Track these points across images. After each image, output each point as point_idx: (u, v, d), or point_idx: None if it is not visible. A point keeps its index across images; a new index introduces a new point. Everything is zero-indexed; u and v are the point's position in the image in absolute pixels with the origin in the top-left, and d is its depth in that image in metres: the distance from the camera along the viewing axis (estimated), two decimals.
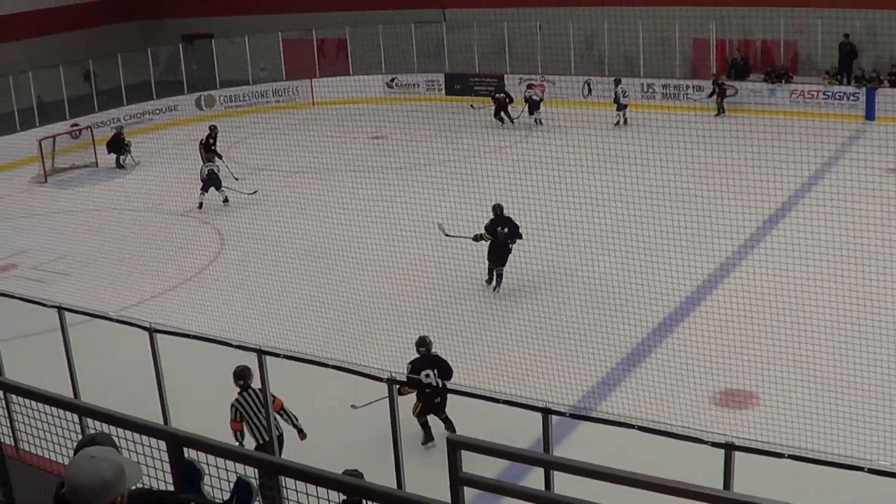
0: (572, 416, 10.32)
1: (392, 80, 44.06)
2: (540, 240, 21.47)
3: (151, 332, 11.74)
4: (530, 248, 21.47)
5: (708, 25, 38.04)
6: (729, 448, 8.47)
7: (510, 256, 21.08)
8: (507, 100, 37.73)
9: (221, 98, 43.98)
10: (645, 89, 39.41)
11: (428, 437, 14.80)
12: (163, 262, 23.52)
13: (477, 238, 20.92)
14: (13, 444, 9.61)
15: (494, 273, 21.04)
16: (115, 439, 6.15)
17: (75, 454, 5.35)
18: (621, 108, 36.70)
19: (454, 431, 14.06)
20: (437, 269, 20.29)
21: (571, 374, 15.74)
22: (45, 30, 46.21)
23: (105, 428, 6.18)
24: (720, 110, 36.92)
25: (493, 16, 42.17)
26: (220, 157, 30.02)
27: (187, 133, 37.37)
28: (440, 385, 14.00)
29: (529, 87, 38.32)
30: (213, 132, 31.92)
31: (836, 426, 13.17)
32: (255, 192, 29.02)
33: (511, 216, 20.99)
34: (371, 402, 13.44)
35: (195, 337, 11.96)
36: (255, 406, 13.41)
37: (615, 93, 36.83)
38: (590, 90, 39.28)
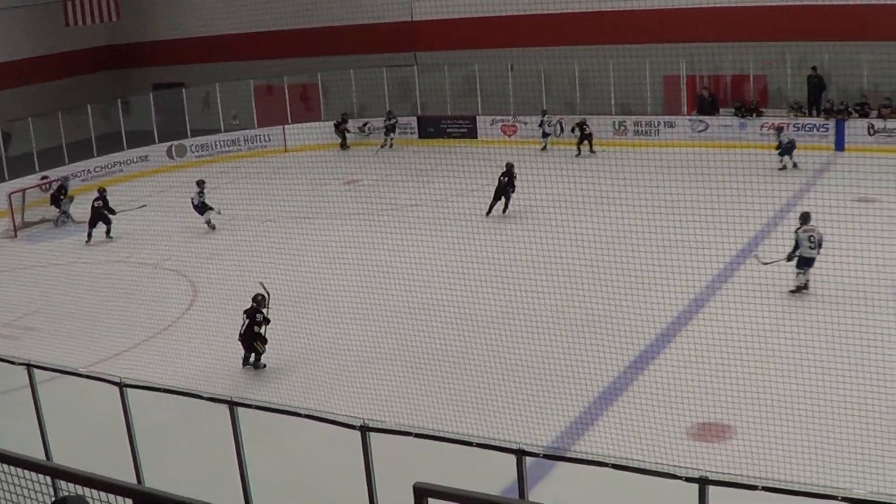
0: (546, 457, 10.23)
1: (364, 124, 44.09)
2: (511, 279, 21.46)
3: (122, 386, 11.66)
4: (502, 288, 21.47)
5: (678, 62, 38.27)
6: (703, 482, 8.48)
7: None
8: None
9: (192, 147, 43.84)
10: (617, 127, 39.58)
11: None
12: (135, 315, 23.34)
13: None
14: None
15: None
16: (90, 500, 6.07)
17: None
18: (545, 135, 39.23)
19: None
20: (412, 312, 20.25)
21: (546, 414, 15.70)
22: (12, 83, 46.17)
23: (78, 489, 6.10)
24: (579, 152, 37.97)
25: (463, 58, 42.39)
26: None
27: (158, 183, 37.31)
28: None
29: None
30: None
31: (811, 457, 13.14)
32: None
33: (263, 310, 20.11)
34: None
35: (166, 390, 11.90)
36: None
37: (541, 121, 39.48)
38: (561, 129, 39.41)
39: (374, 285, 22.07)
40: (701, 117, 38.49)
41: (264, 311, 19.78)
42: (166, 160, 42.63)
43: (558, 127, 39.48)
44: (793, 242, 21.45)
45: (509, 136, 41.94)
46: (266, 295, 19.94)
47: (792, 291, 21.23)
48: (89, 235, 31.30)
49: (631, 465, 9.11)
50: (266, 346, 19.75)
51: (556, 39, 40.33)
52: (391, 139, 42.71)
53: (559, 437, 15.51)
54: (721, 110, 38.90)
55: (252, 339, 19.69)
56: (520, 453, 9.33)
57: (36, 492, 7.62)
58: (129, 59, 51.92)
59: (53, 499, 7.34)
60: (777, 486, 8.51)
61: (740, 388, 15.60)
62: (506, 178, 29.81)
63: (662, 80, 39.92)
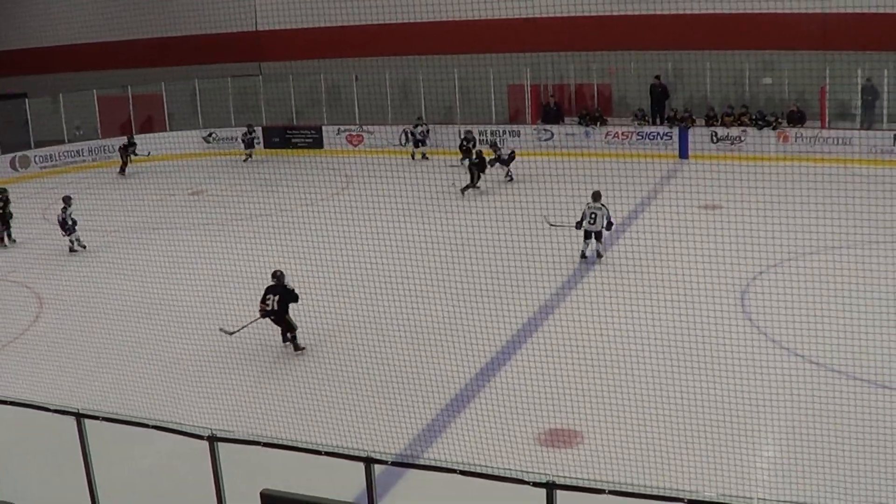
0: (394, 465, 10.29)
1: (209, 134, 43.77)
2: (358, 288, 21.51)
3: None
4: (349, 297, 21.51)
5: (522, 71, 38.69)
6: (551, 487, 8.60)
7: None
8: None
9: (36, 158, 43.03)
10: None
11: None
12: None
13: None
14: None
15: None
16: None
17: None
18: (418, 143, 39.12)
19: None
20: (258, 323, 20.16)
21: (396, 423, 15.75)
22: None
23: None
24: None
25: (309, 68, 42.32)
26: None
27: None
28: (275, 307, 19.66)
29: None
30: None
31: (660, 460, 13.45)
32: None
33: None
34: (244, 327, 19.47)
35: (11, 403, 11.69)
36: None
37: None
38: (407, 139, 39.57)
39: (222, 295, 21.89)
40: (546, 126, 38.95)
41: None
42: (10, 171, 41.77)
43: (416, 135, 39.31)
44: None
45: (355, 145, 41.99)
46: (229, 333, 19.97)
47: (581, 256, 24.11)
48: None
49: (480, 472, 9.21)
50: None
51: (401, 49, 40.50)
52: (250, 153, 42.30)
53: (410, 444, 15.56)
54: (566, 119, 39.42)
55: (285, 316, 19.96)
56: (368, 461, 9.36)
57: None
58: None
59: None
60: (624, 490, 8.68)
61: (589, 394, 15.82)
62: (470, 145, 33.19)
63: (507, 89, 40.31)
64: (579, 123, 38.56)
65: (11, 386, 16.93)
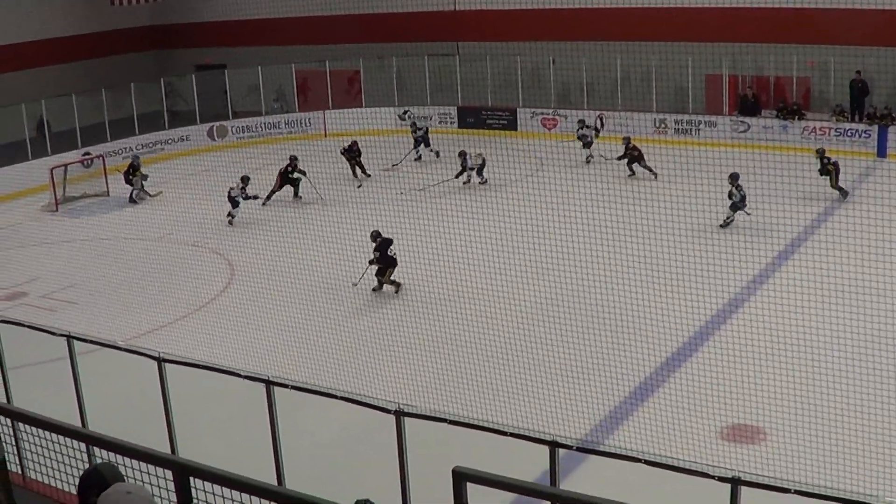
0: (579, 450, 10.25)
1: (405, 112, 44.08)
2: (553, 272, 21.44)
3: (160, 361, 11.73)
4: (544, 281, 21.50)
5: (721, 61, 38.08)
6: (735, 483, 8.42)
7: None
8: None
9: (233, 129, 44.12)
10: (657, 124, 39.42)
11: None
12: (173, 292, 23.50)
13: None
14: (20, 471, 9.63)
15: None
16: (122, 469, 6.13)
17: (82, 486, 5.33)
18: (587, 145, 36.81)
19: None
20: (449, 300, 20.31)
21: (579, 408, 15.70)
22: (58, 58, 46.46)
23: (112, 457, 6.17)
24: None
25: (506, 49, 42.26)
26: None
27: (199, 163, 37.47)
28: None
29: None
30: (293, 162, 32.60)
31: (843, 462, 13.12)
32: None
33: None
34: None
35: (204, 367, 11.96)
36: None
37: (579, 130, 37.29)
38: (602, 124, 39.24)
39: (419, 272, 22.09)
40: (742, 118, 38.29)
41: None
42: (207, 141, 42.93)
43: (594, 130, 38.38)
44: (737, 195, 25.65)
45: (549, 129, 41.84)
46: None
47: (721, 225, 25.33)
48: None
49: (665, 463, 9.10)
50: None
51: (598, 34, 40.14)
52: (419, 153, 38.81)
53: (589, 432, 15.53)
54: (763, 112, 38.68)
55: (389, 264, 22.69)
56: (554, 444, 9.31)
57: (70, 457, 7.73)
58: (172, 40, 52.07)
59: (88, 466, 7.45)
60: (811, 491, 8.47)
61: (775, 392, 15.56)
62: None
63: (705, 79, 39.74)
64: (776, 117, 37.77)
65: (202, 349, 17.38)
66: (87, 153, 37.18)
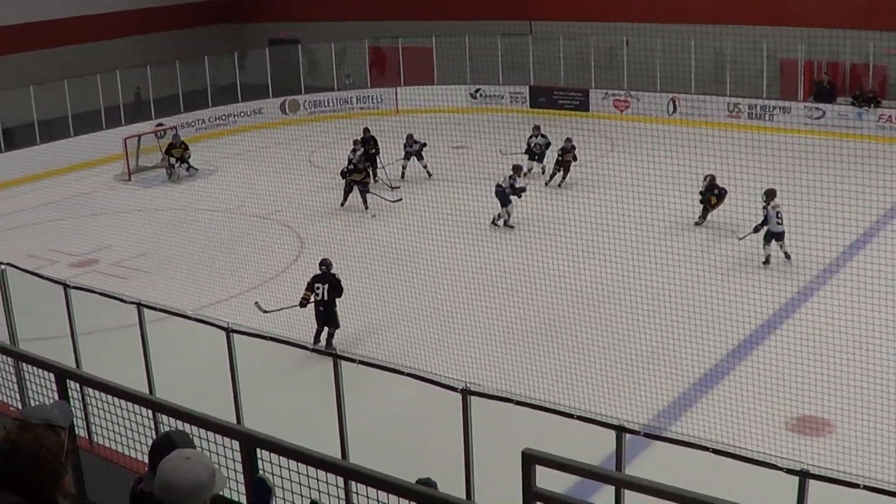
0: (646, 436, 10.18)
1: (476, 90, 44.02)
2: (626, 257, 21.31)
3: (229, 331, 11.80)
4: (613, 268, 21.36)
5: (796, 46, 37.63)
6: (804, 475, 8.32)
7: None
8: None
9: (306, 103, 44.31)
10: (731, 109, 39.03)
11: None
12: (242, 264, 23.64)
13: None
14: (87, 436, 9.72)
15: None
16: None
17: (153, 452, 5.36)
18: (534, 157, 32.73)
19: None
20: (516, 280, 20.25)
21: (645, 394, 15.62)
22: (135, 30, 46.89)
23: (178, 424, 6.20)
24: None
25: (579, 29, 42.00)
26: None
27: (271, 136, 37.65)
28: (325, 298, 18.38)
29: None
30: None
31: None
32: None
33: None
34: (280, 310, 18.47)
35: (273, 339, 12.02)
36: None
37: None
38: (675, 107, 38.95)
39: (484, 253, 22.06)
40: (818, 104, 37.83)
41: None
42: (279, 115, 43.14)
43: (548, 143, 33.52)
44: (761, 217, 22.52)
45: (622, 111, 41.61)
46: (262, 310, 18.78)
47: (764, 263, 22.48)
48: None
49: (732, 452, 9.02)
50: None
51: (671, 16, 39.86)
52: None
53: (654, 418, 15.45)
54: (838, 98, 38.19)
55: (332, 311, 18.72)
56: (620, 429, 9.26)
57: (137, 423, 7.79)
58: (245, 14, 52.34)
59: (154, 433, 7.50)
60: (881, 487, 8.35)
61: (843, 384, 15.37)
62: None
63: (780, 64, 39.32)
64: (852, 104, 37.27)
65: (270, 321, 17.46)
66: (161, 124, 37.44)
